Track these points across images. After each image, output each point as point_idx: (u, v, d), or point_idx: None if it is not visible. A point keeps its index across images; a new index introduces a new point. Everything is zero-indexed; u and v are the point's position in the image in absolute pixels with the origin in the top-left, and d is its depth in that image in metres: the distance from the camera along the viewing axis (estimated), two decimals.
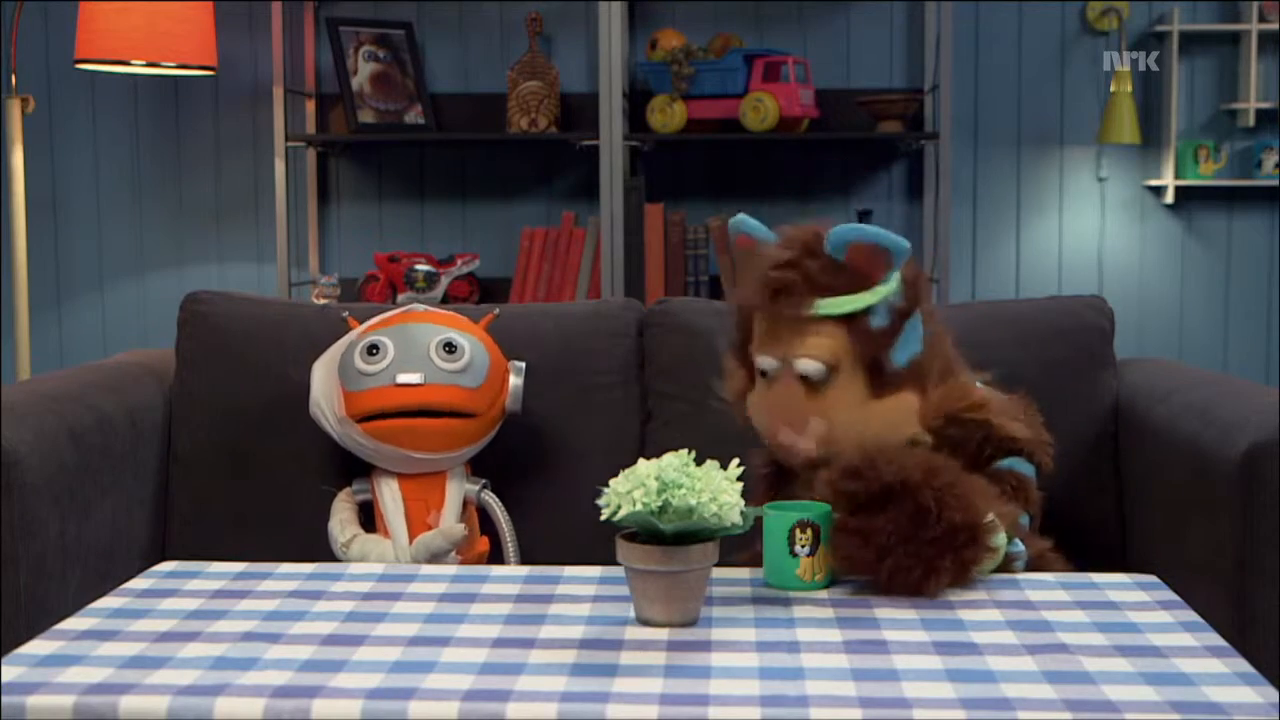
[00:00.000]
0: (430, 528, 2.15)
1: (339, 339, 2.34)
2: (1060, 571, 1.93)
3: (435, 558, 2.08)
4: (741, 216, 1.97)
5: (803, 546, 1.66)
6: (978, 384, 1.96)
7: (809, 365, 1.84)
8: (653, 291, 3.51)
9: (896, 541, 1.63)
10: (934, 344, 1.92)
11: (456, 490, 2.20)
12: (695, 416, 2.30)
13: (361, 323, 2.29)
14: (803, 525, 1.66)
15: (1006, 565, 1.78)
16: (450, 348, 2.15)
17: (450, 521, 2.16)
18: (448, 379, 2.14)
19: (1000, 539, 1.72)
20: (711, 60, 3.50)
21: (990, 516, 1.69)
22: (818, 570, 1.67)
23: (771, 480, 1.98)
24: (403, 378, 2.12)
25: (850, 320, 1.84)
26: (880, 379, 1.86)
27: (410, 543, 2.13)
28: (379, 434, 2.13)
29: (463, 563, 2.14)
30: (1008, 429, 1.89)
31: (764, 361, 1.89)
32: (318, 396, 2.19)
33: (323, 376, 2.20)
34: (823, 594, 1.66)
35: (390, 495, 2.17)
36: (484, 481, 2.23)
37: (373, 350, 2.14)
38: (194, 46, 3.31)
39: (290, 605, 1.63)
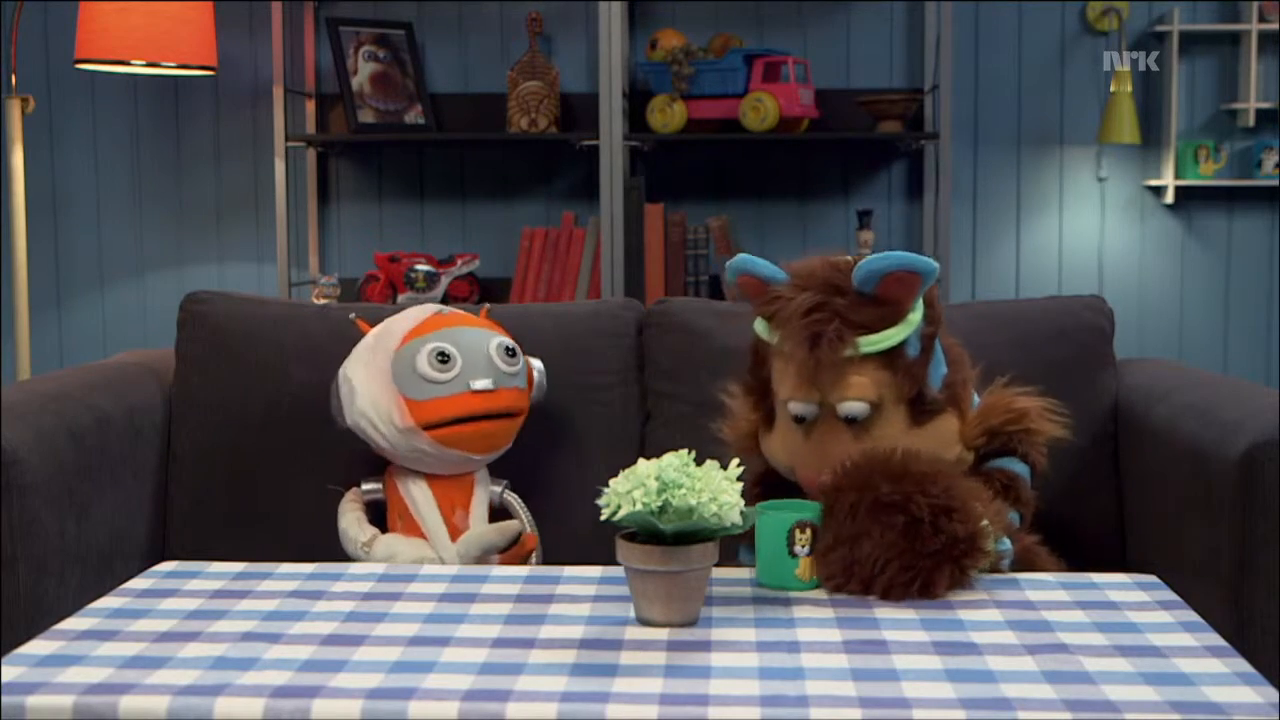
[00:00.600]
0: (457, 527, 2.14)
1: (341, 339, 2.34)
2: (1047, 565, 1.93)
3: (485, 555, 2.08)
4: (744, 256, 1.87)
5: (802, 546, 1.66)
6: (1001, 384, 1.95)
7: (855, 407, 1.80)
8: (653, 291, 3.51)
9: (887, 561, 1.62)
10: (954, 358, 1.91)
11: (483, 490, 2.19)
12: (695, 416, 2.30)
13: (372, 324, 2.26)
14: (801, 525, 1.66)
15: (993, 563, 1.77)
16: (510, 352, 2.17)
17: (480, 521, 2.16)
18: (511, 382, 2.16)
19: (992, 541, 1.72)
20: (711, 60, 3.50)
21: (985, 521, 1.69)
22: (815, 570, 1.67)
23: (765, 486, 1.97)
24: (476, 384, 2.12)
25: (888, 355, 1.80)
26: (921, 407, 1.83)
27: (452, 542, 2.11)
28: (448, 440, 2.10)
29: (502, 562, 2.11)
30: (1048, 432, 1.88)
31: (801, 408, 1.83)
32: (364, 407, 2.12)
33: (369, 386, 2.12)
34: (822, 594, 1.66)
35: (422, 495, 2.15)
36: (505, 482, 2.23)
37: (444, 358, 2.12)
38: (194, 46, 3.31)
39: (290, 605, 1.63)
